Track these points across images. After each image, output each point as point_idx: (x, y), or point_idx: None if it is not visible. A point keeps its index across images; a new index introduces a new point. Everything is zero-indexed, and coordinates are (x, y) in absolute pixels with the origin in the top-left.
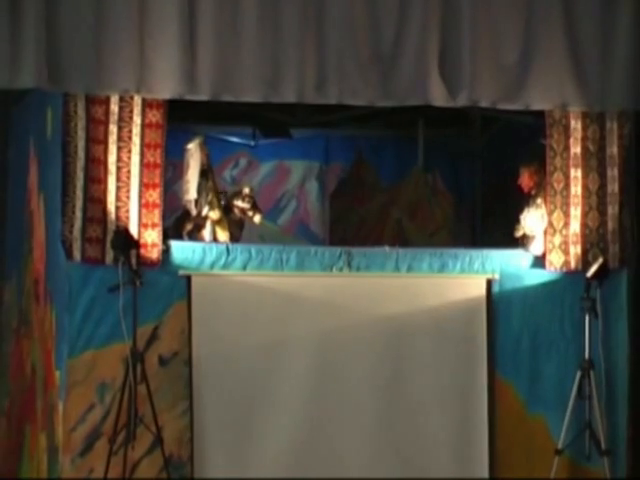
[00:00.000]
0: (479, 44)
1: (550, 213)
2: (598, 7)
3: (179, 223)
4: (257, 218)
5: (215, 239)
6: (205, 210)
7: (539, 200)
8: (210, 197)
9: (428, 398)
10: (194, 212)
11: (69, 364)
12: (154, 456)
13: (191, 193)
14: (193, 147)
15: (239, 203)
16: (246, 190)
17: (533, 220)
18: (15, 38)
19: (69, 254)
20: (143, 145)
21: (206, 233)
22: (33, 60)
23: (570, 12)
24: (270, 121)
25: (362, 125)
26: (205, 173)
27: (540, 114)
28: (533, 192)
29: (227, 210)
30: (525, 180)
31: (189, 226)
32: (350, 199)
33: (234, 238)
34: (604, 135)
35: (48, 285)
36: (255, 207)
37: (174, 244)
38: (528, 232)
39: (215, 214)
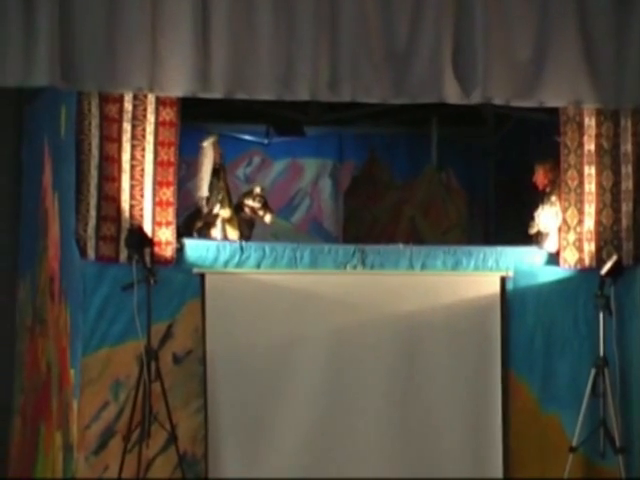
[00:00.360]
0: (493, 42)
1: (564, 210)
2: (612, 4)
3: (190, 220)
4: (268, 218)
5: (225, 237)
6: (216, 208)
7: (553, 197)
8: (221, 196)
9: (442, 396)
10: (205, 209)
11: (83, 362)
12: (168, 454)
13: (203, 190)
14: (207, 145)
15: (250, 202)
16: (257, 190)
17: (547, 217)
18: (29, 37)
19: (83, 252)
20: (157, 143)
21: (216, 231)
22: (47, 58)
23: (584, 9)
24: (283, 119)
25: (375, 123)
26: (217, 172)
27: (554, 111)
28: (548, 189)
29: (238, 209)
30: (540, 177)
31: (199, 224)
32: (364, 197)
33: (244, 237)
34: (618, 132)
35: (62, 283)
36: (266, 207)
37: (188, 242)
38: (542, 229)
39: (226, 212)
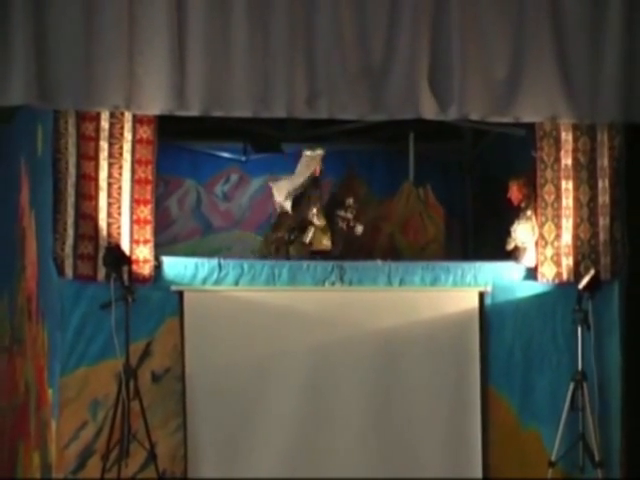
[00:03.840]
0: (469, 58)
1: (541, 225)
2: (586, 20)
3: (277, 224)
4: (359, 229)
5: (310, 245)
6: (313, 217)
7: (529, 212)
8: (318, 206)
9: (421, 411)
10: (296, 216)
11: (62, 381)
12: (148, 473)
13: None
14: (312, 156)
15: (342, 213)
16: (350, 201)
17: (524, 232)
18: (4, 55)
19: (61, 271)
20: (134, 161)
21: (307, 236)
22: (22, 77)
23: (559, 25)
24: (261, 136)
25: (353, 140)
26: (316, 183)
27: (531, 127)
28: (523, 204)
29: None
30: (514, 193)
31: (280, 233)
32: None
33: (337, 247)
34: (595, 147)
35: (40, 302)
36: (357, 218)
37: (166, 260)
38: (519, 244)
39: (321, 221)
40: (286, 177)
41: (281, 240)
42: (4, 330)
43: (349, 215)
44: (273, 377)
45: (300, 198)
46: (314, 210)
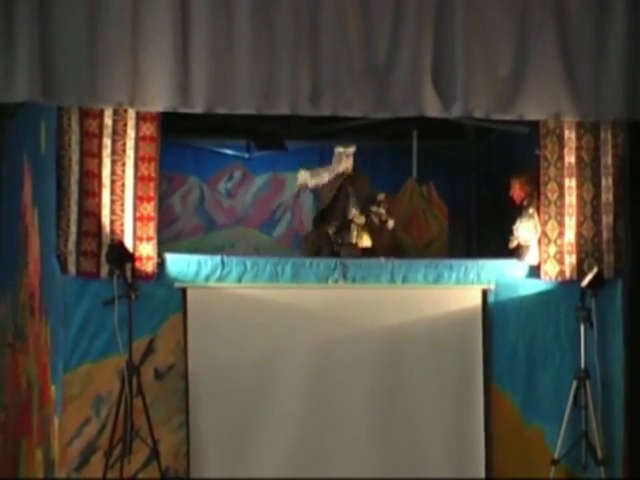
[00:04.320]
0: (473, 55)
1: (544, 223)
2: (591, 18)
3: (319, 223)
4: (391, 223)
5: (355, 245)
6: (352, 214)
7: (531, 210)
8: (357, 205)
9: (424, 408)
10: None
11: (65, 378)
12: (150, 470)
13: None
14: (343, 152)
15: (375, 209)
16: (381, 196)
17: (526, 230)
18: (9, 52)
19: (64, 268)
20: (137, 158)
21: (352, 236)
22: (27, 73)
23: (563, 23)
24: (264, 133)
25: (356, 137)
26: (352, 180)
27: (534, 124)
28: (525, 202)
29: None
30: (516, 191)
31: (332, 229)
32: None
33: (375, 244)
34: (598, 145)
35: (43, 299)
36: (389, 212)
37: (169, 257)
38: (522, 242)
39: (361, 219)
40: (317, 169)
41: (327, 239)
42: (7, 327)
43: (382, 210)
44: (276, 374)
45: (335, 198)
46: (355, 209)
